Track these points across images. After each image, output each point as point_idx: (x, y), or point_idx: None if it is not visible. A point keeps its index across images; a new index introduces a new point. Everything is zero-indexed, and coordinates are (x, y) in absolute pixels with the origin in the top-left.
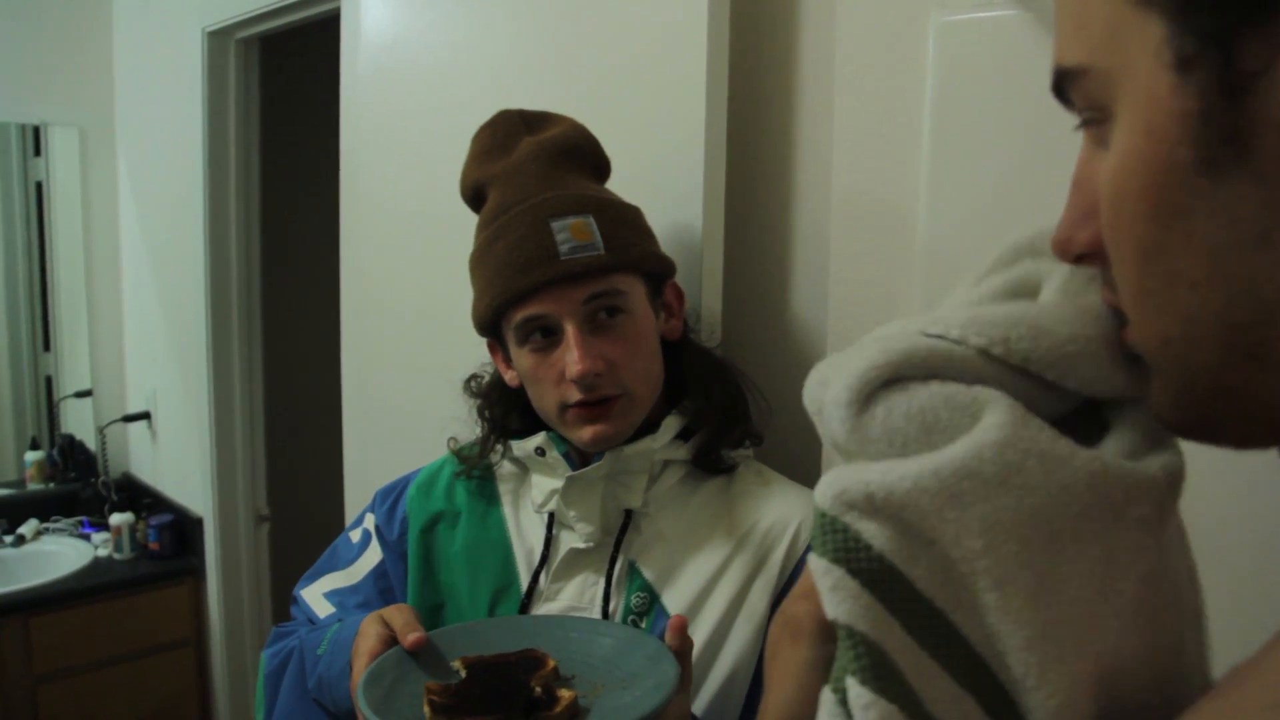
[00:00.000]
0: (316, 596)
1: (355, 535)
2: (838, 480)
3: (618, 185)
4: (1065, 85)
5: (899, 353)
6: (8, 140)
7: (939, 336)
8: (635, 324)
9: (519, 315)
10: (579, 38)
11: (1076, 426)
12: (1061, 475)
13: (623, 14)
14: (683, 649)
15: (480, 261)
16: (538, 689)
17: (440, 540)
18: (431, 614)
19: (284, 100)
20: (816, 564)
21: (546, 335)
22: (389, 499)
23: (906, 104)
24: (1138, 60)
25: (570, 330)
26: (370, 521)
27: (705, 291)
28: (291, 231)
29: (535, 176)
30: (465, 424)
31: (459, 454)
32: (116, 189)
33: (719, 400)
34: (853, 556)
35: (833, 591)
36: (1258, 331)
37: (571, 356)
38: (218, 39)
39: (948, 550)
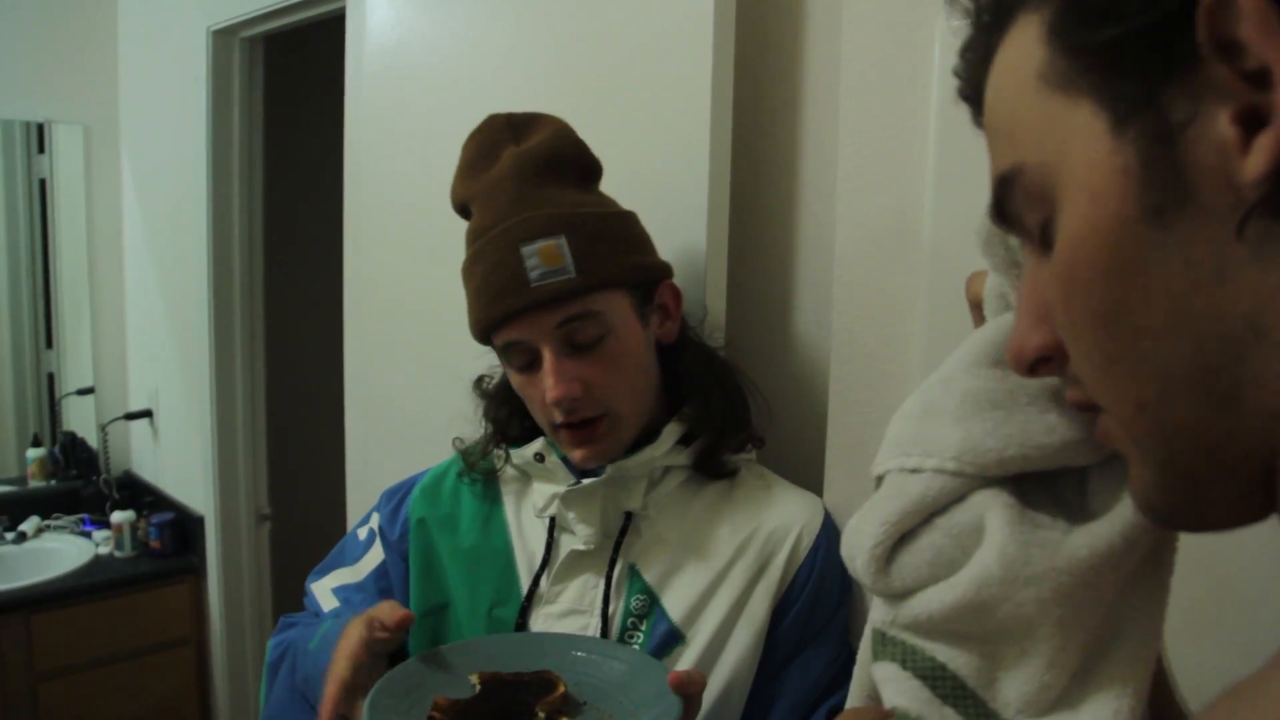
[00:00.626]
0: (325, 591)
1: (362, 533)
2: (886, 611)
3: (621, 189)
4: (1005, 197)
5: (897, 516)
6: (11, 137)
7: (938, 470)
8: (617, 342)
9: (499, 340)
10: (584, 38)
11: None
12: (1063, 556)
13: (628, 16)
14: (687, 692)
15: (466, 278)
16: (541, 715)
17: (442, 542)
18: (433, 615)
19: (288, 99)
20: (879, 669)
21: (528, 358)
22: (393, 500)
23: (912, 109)
24: (1072, 142)
25: (546, 355)
26: (375, 521)
27: (709, 295)
28: (294, 230)
29: (511, 196)
30: (470, 423)
31: (464, 454)
32: (120, 187)
33: (718, 404)
34: (907, 659)
35: (892, 684)
36: (1230, 372)
37: (547, 383)
38: (222, 38)
39: (988, 643)
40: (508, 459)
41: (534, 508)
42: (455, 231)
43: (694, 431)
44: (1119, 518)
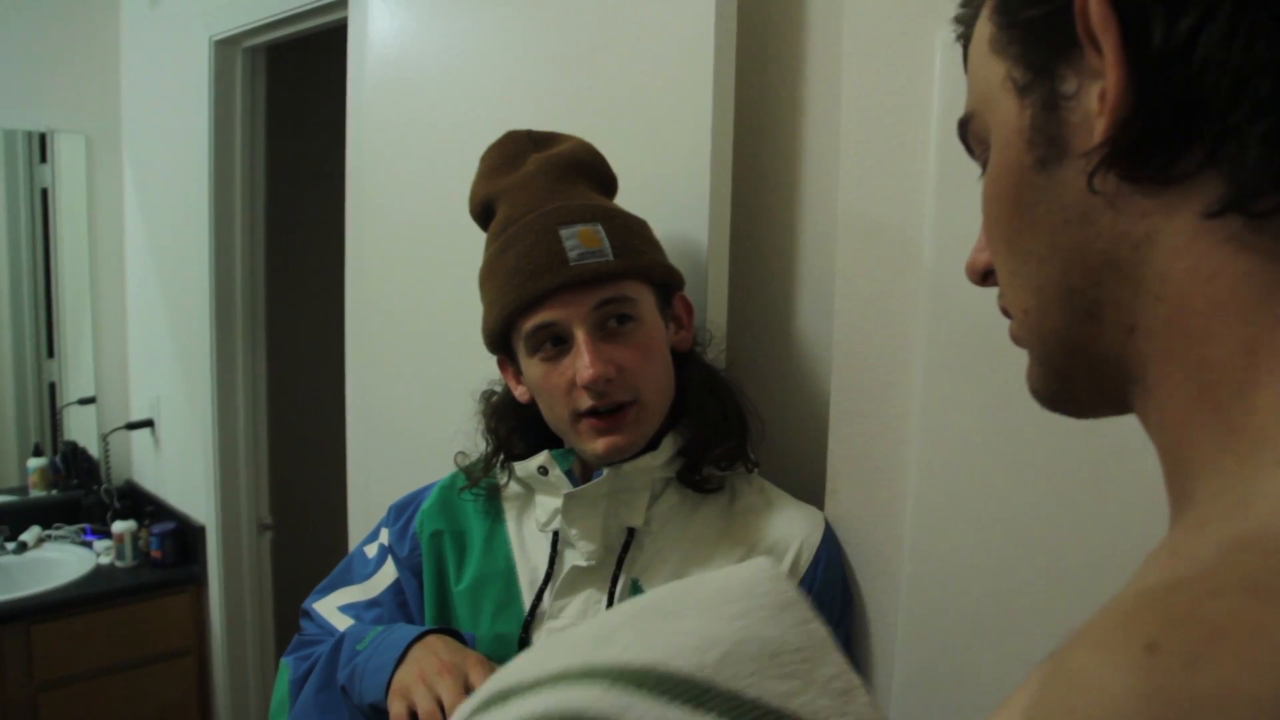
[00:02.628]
0: (331, 610)
1: (371, 550)
2: None
3: (622, 200)
4: (964, 133)
5: None
6: (14, 147)
7: None
8: (646, 331)
9: (529, 324)
10: (586, 51)
11: None
12: None
13: (629, 29)
14: None
15: (490, 273)
16: None
17: (453, 558)
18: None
19: (290, 110)
20: None
21: (557, 344)
22: (401, 518)
23: (913, 119)
24: (998, 99)
25: (580, 336)
26: (385, 537)
27: (710, 307)
28: (296, 241)
29: (543, 188)
30: (471, 436)
31: (466, 470)
32: (122, 196)
33: (710, 417)
34: None
35: None
36: (1089, 294)
37: (582, 362)
38: (225, 48)
39: None
40: (511, 475)
41: (537, 522)
42: (457, 244)
43: (689, 444)
44: None
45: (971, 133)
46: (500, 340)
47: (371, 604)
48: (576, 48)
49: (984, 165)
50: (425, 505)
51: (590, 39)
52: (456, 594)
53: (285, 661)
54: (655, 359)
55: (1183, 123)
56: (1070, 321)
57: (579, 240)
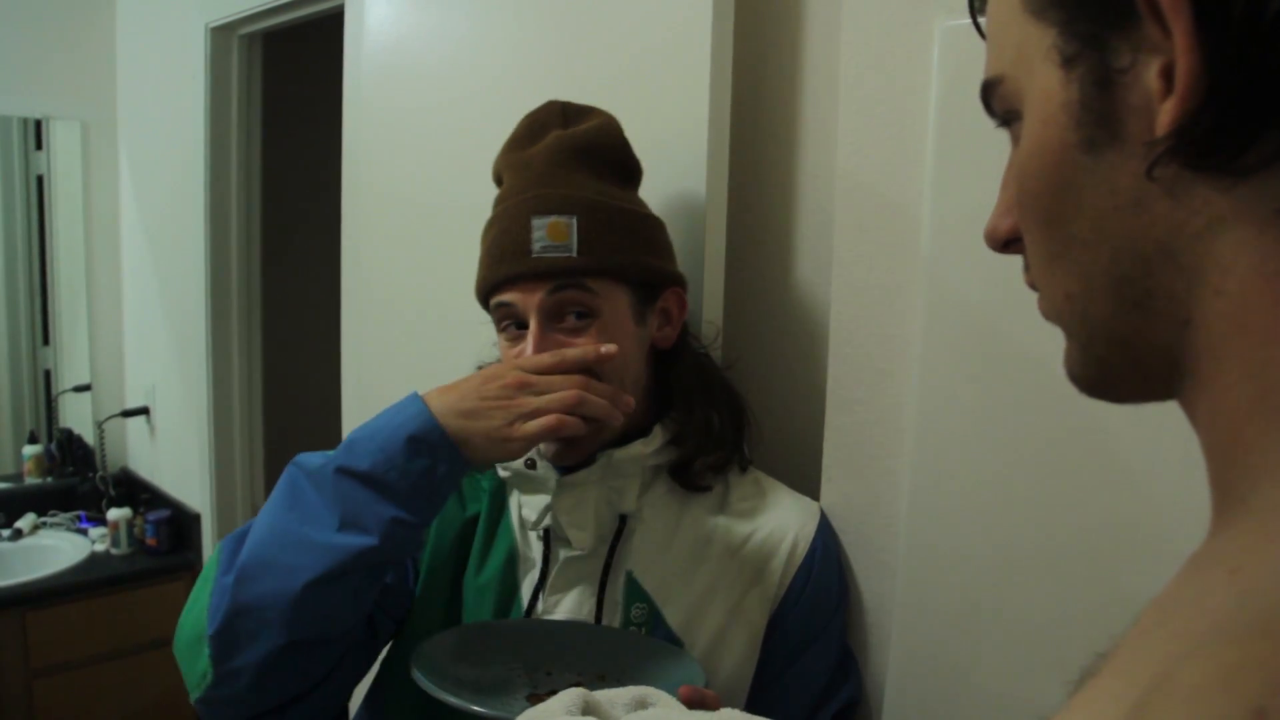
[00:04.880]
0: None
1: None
2: None
3: None
4: (989, 95)
5: None
6: (9, 133)
7: None
8: (605, 329)
9: (495, 300)
10: (582, 36)
11: None
12: None
13: (626, 13)
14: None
15: (482, 240)
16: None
17: (478, 544)
18: (440, 594)
19: (286, 97)
20: None
21: (520, 326)
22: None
23: (911, 107)
24: (1037, 66)
25: (532, 325)
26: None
27: (706, 298)
28: (292, 228)
29: (540, 171)
30: None
31: None
32: (118, 183)
33: (699, 417)
34: None
35: None
36: (1140, 284)
37: (525, 347)
38: (221, 34)
39: None
40: (494, 474)
41: (526, 521)
42: (454, 229)
43: (677, 438)
44: None
45: (999, 97)
46: (485, 303)
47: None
48: (572, 32)
49: (1013, 133)
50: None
51: (586, 23)
52: (470, 586)
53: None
54: (614, 358)
55: (1260, 110)
56: (1118, 310)
57: (546, 232)
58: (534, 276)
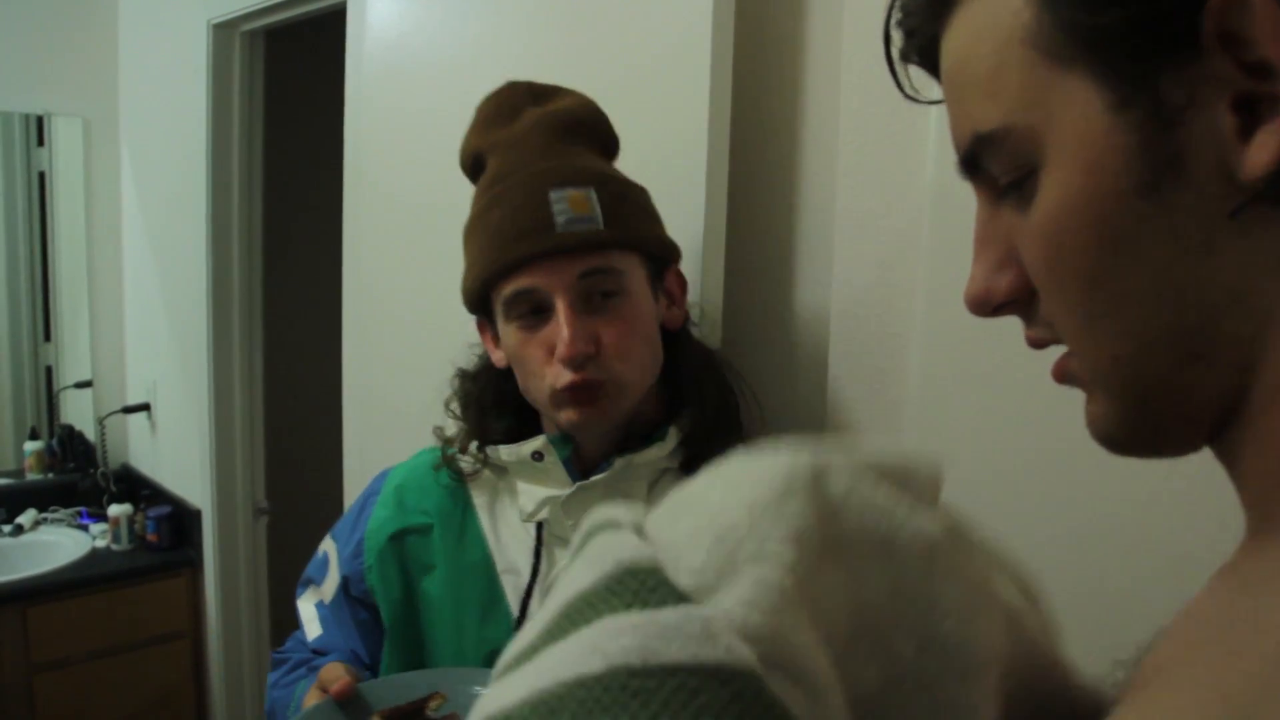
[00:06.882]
0: (309, 609)
1: (321, 550)
2: None
3: None
4: (982, 152)
5: None
6: (11, 130)
7: None
8: (632, 306)
9: (509, 288)
10: (585, 34)
11: None
12: None
13: (629, 13)
14: None
15: (473, 230)
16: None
17: (415, 551)
18: (412, 626)
19: (288, 94)
20: None
21: (536, 312)
22: (352, 539)
23: (913, 106)
24: (1063, 111)
25: (562, 307)
26: (331, 547)
27: (706, 290)
28: (294, 225)
29: (537, 146)
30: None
31: (447, 442)
32: (119, 180)
33: (713, 405)
34: None
35: None
36: (1204, 333)
37: (562, 335)
38: (223, 31)
39: None
40: (487, 461)
41: (521, 512)
42: (455, 227)
43: (691, 434)
44: None
45: (1004, 152)
46: (479, 301)
47: (334, 604)
48: (575, 30)
49: (1004, 187)
50: (372, 523)
51: (589, 22)
52: (430, 593)
53: (269, 679)
54: (639, 336)
55: None
56: (1175, 365)
57: (568, 205)
58: (564, 251)
